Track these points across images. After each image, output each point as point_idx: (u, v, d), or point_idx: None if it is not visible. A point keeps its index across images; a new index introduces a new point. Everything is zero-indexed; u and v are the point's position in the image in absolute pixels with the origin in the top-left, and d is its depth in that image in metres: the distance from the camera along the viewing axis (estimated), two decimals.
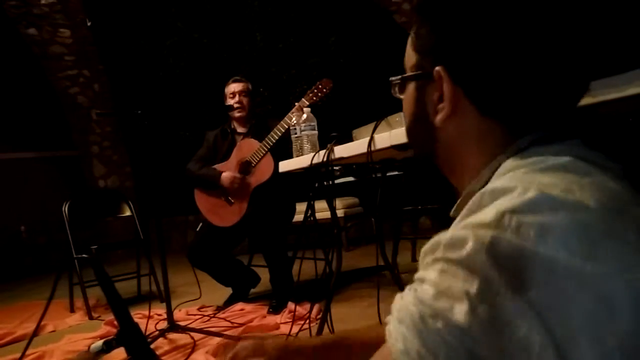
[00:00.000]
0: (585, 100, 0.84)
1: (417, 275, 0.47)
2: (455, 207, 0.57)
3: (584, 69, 0.53)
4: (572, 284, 0.38)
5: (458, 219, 0.47)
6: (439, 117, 0.57)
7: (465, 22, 0.52)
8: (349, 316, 2.30)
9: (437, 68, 0.54)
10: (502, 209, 0.42)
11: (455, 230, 0.44)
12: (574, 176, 0.44)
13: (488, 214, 0.42)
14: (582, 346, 0.37)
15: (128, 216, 3.59)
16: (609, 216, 0.41)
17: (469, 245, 0.41)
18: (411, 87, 0.61)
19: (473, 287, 0.40)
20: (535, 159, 0.48)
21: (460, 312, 0.40)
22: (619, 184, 0.45)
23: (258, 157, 2.71)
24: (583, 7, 0.51)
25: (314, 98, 2.60)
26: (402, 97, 0.64)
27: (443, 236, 0.45)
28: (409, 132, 0.66)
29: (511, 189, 0.43)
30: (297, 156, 2.07)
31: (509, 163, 0.50)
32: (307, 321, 2.05)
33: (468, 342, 0.39)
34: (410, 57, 0.61)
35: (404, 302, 0.46)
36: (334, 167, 2.05)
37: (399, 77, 0.63)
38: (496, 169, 0.52)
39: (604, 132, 0.91)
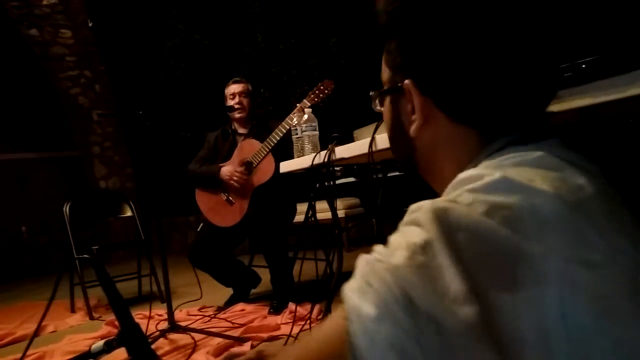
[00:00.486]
0: (586, 101, 0.84)
1: None
2: None
3: (549, 71, 0.54)
4: (506, 255, 0.41)
5: None
6: (412, 128, 0.59)
7: (429, 35, 0.54)
8: None
9: (405, 82, 0.57)
10: (465, 189, 0.45)
11: (420, 202, 0.48)
12: (541, 170, 0.46)
13: (452, 194, 0.47)
14: (514, 311, 0.39)
15: (129, 217, 3.60)
16: (564, 206, 0.43)
17: (424, 210, 0.45)
18: (387, 100, 0.65)
19: (417, 240, 0.44)
20: (509, 155, 0.50)
21: (399, 256, 0.44)
22: (587, 181, 0.46)
23: (259, 157, 2.71)
24: (546, 12, 0.52)
25: (316, 99, 2.61)
26: (381, 109, 0.67)
27: (410, 207, 0.49)
28: (391, 144, 0.69)
29: (480, 176, 0.46)
30: (298, 157, 2.07)
31: (485, 163, 0.52)
32: (308, 322, 2.05)
33: (400, 280, 0.43)
34: (384, 72, 0.63)
35: (362, 257, 0.49)
36: (335, 168, 2.05)
37: (377, 92, 0.66)
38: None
39: (581, 133, 0.92)
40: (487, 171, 0.47)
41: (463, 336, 0.40)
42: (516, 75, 0.52)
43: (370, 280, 0.45)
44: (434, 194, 0.55)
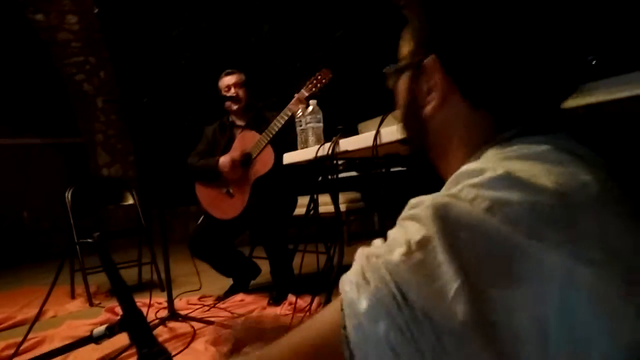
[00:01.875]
0: (599, 98, 0.84)
1: None
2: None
3: (574, 66, 0.53)
4: (507, 253, 0.40)
5: None
6: (428, 108, 0.58)
7: (460, 12, 0.52)
8: None
9: (429, 58, 0.55)
10: (467, 184, 0.45)
11: (420, 197, 0.47)
12: (546, 164, 0.46)
13: (454, 189, 0.46)
14: (512, 309, 0.39)
15: (130, 205, 3.60)
16: (566, 204, 0.42)
17: (424, 205, 0.45)
18: (404, 77, 0.62)
19: (416, 237, 0.43)
20: (515, 147, 0.49)
21: (397, 252, 0.44)
22: (592, 179, 0.46)
23: (258, 148, 2.70)
24: (579, 4, 0.51)
25: (313, 89, 2.60)
26: (395, 88, 0.65)
27: (410, 201, 0.49)
28: (402, 124, 0.67)
29: (483, 170, 0.46)
30: (302, 148, 2.06)
31: (491, 152, 0.51)
32: (308, 313, 2.05)
33: (396, 277, 0.42)
34: (404, 47, 0.62)
35: (361, 251, 0.49)
36: (338, 162, 2.05)
37: (393, 67, 0.64)
38: (479, 157, 0.53)
39: (592, 128, 0.91)
40: (489, 165, 0.46)
41: (458, 334, 0.39)
42: (543, 64, 0.51)
43: (367, 275, 0.44)
44: (437, 190, 0.54)
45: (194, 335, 2.03)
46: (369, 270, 0.45)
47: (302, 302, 2.35)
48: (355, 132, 1.82)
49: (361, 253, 0.48)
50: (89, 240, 0.94)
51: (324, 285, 2.12)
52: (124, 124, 6.88)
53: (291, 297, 2.47)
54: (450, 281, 0.40)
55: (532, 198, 0.42)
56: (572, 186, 0.44)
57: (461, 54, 0.53)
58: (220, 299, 2.77)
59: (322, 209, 2.33)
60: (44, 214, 6.50)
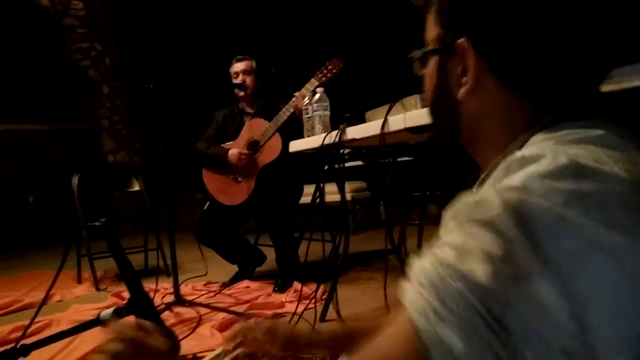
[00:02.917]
0: (623, 85, 0.82)
1: (439, 240, 0.45)
2: (480, 180, 0.55)
3: (612, 47, 0.51)
4: (594, 251, 0.38)
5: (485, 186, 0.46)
6: (462, 91, 0.55)
7: None
8: (353, 297, 2.32)
9: (460, 40, 0.53)
10: (531, 174, 0.41)
11: (481, 193, 0.43)
12: (606, 149, 0.43)
13: (516, 179, 0.42)
14: (598, 312, 0.37)
15: (136, 191, 3.61)
16: (638, 191, 0.40)
17: (495, 207, 0.40)
18: (433, 61, 0.60)
19: (497, 249, 0.39)
20: (566, 131, 0.47)
21: (482, 272, 0.39)
22: None
23: (266, 136, 2.70)
24: None
25: (323, 78, 2.58)
26: (423, 73, 0.63)
27: (468, 199, 0.44)
28: (432, 110, 0.64)
29: (540, 156, 0.43)
30: (309, 136, 2.05)
31: (538, 136, 0.49)
32: (313, 301, 2.06)
33: (487, 301, 0.38)
34: (432, 30, 0.59)
35: (421, 264, 0.44)
36: (344, 151, 2.03)
37: (420, 51, 0.61)
38: (525, 143, 0.50)
39: (632, 112, 0.89)
40: (547, 150, 0.43)
41: (562, 350, 0.37)
42: (581, 44, 0.49)
43: (447, 302, 0.39)
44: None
45: (199, 321, 2.04)
46: (449, 296, 0.40)
47: (308, 289, 2.36)
48: (362, 120, 1.80)
49: (422, 267, 0.43)
50: (96, 223, 0.94)
51: (330, 273, 2.12)
52: (129, 110, 6.88)
53: (296, 285, 2.48)
54: (550, 295, 0.37)
55: (605, 187, 0.40)
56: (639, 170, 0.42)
57: (494, 34, 0.51)
58: (226, 285, 2.78)
59: (328, 198, 2.33)
60: (49, 199, 6.54)
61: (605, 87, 0.55)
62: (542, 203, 0.39)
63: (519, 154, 0.46)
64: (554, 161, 0.41)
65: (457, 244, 0.42)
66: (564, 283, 0.37)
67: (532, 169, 0.42)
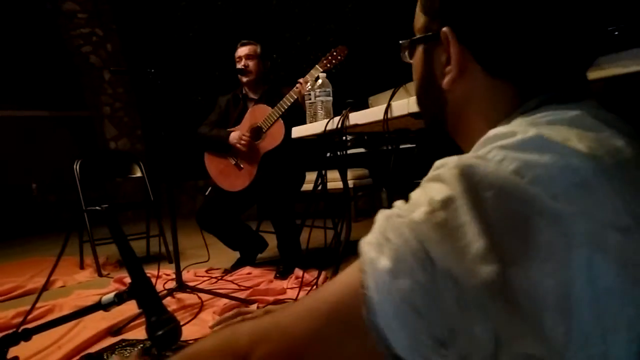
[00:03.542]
0: (621, 70, 0.81)
1: None
2: None
3: (595, 32, 0.51)
4: (535, 218, 0.38)
5: None
6: (446, 80, 0.56)
7: None
8: None
9: (443, 29, 0.54)
10: (496, 146, 0.43)
11: (445, 159, 0.46)
12: (577, 130, 0.44)
13: (482, 150, 0.44)
14: (534, 273, 0.38)
15: (138, 178, 3.60)
16: (599, 168, 0.41)
17: (450, 164, 0.43)
18: (420, 50, 0.61)
19: (439, 196, 0.42)
20: (542, 114, 0.47)
21: (420, 211, 0.43)
22: (625, 144, 0.44)
23: (269, 122, 2.69)
24: None
25: (328, 65, 2.56)
26: (411, 61, 0.64)
27: (436, 164, 0.47)
28: (419, 98, 0.66)
29: (513, 133, 0.44)
30: (311, 122, 2.04)
31: (518, 120, 0.49)
32: (314, 288, 2.06)
33: (418, 235, 0.41)
34: (418, 19, 0.60)
35: (382, 213, 0.48)
36: (346, 137, 2.02)
37: (408, 40, 0.63)
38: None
39: (618, 96, 0.89)
40: (520, 128, 0.44)
41: (480, 295, 0.39)
42: (562, 30, 0.49)
43: (388, 235, 0.43)
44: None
45: (201, 307, 2.05)
46: (390, 229, 0.44)
47: (309, 276, 2.36)
48: (365, 105, 1.79)
49: (381, 214, 0.47)
50: (98, 208, 0.93)
51: (331, 260, 2.12)
52: (131, 97, 6.86)
53: (298, 272, 2.48)
54: (474, 241, 0.39)
55: (563, 161, 0.41)
56: (606, 151, 0.42)
57: (476, 23, 0.51)
58: (228, 271, 2.79)
59: (330, 185, 2.32)
60: (51, 186, 6.55)
61: (592, 75, 0.54)
62: (492, 167, 0.41)
63: (492, 132, 0.47)
64: (522, 135, 0.43)
65: (413, 197, 0.46)
66: (490, 239, 0.39)
67: (501, 142, 0.43)
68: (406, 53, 0.64)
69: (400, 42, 0.64)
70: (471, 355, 0.40)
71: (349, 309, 0.44)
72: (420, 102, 0.66)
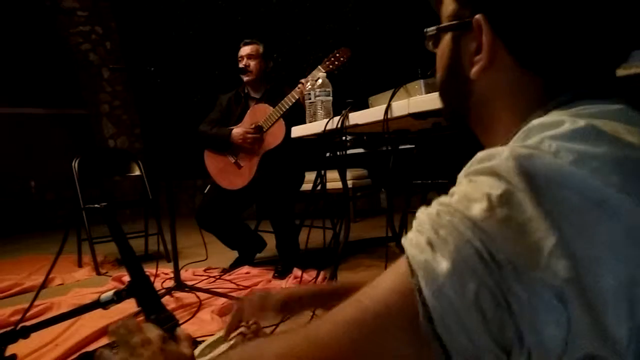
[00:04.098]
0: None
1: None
2: None
3: (631, 29, 0.50)
4: (599, 210, 0.37)
5: None
6: (475, 69, 0.54)
7: None
8: None
9: (476, 16, 0.52)
10: (547, 136, 0.41)
11: (493, 149, 0.43)
12: (623, 124, 0.43)
13: (532, 140, 0.42)
14: (601, 268, 0.36)
15: (137, 176, 3.60)
16: None
17: (503, 157, 0.41)
18: (447, 38, 0.58)
19: (496, 191, 0.39)
20: (583, 106, 0.46)
21: (477, 208, 0.40)
22: None
23: (270, 122, 2.68)
24: None
25: (331, 66, 2.55)
26: (436, 50, 0.62)
27: (480, 154, 0.44)
28: (442, 88, 0.63)
29: (560, 122, 0.42)
30: (311, 122, 2.04)
31: (557, 112, 0.47)
32: None
33: (480, 234, 0.39)
34: (447, 5, 0.58)
35: (425, 210, 0.45)
36: (346, 138, 2.02)
37: (435, 27, 0.60)
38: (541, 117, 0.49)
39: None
40: (566, 118, 0.43)
41: (558, 293, 0.37)
42: (599, 24, 0.48)
43: (441, 233, 0.40)
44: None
45: (199, 306, 2.05)
46: (443, 227, 0.41)
47: (308, 276, 2.36)
48: (366, 105, 1.78)
49: (425, 211, 0.44)
50: (96, 205, 0.93)
51: (330, 260, 2.12)
52: (130, 95, 6.84)
53: (296, 271, 2.48)
54: (545, 237, 0.37)
55: (620, 152, 0.39)
56: None
57: (511, 11, 0.50)
58: (226, 270, 2.79)
59: (329, 185, 2.32)
60: (50, 184, 6.53)
61: (621, 72, 0.53)
62: (550, 159, 0.39)
63: (537, 121, 0.45)
64: (572, 125, 0.41)
65: (461, 192, 0.43)
66: (561, 234, 0.37)
67: (550, 132, 0.42)
68: (431, 43, 0.61)
69: (426, 30, 0.61)
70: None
71: (400, 318, 0.41)
72: (443, 92, 0.64)
